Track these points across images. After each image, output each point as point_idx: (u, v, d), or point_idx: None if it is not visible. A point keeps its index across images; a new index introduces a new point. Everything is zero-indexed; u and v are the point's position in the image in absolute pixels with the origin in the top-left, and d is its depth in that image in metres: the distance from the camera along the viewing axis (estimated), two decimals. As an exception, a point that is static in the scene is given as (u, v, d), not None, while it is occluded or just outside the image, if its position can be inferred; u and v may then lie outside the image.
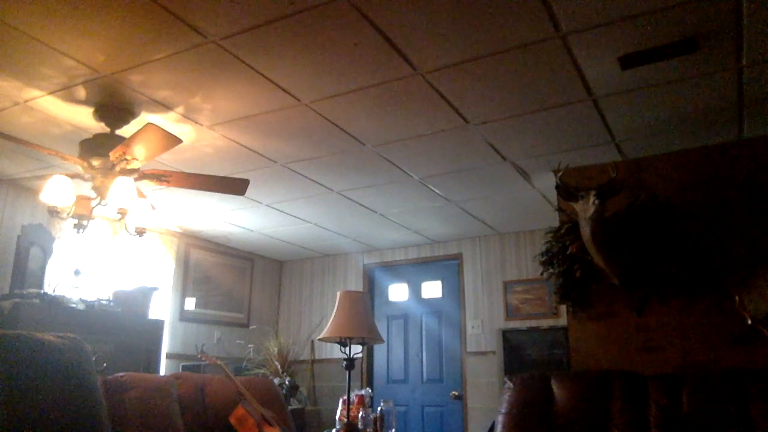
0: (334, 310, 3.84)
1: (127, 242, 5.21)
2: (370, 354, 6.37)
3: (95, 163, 3.34)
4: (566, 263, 3.91)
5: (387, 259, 6.61)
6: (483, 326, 5.80)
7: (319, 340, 3.96)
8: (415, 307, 6.40)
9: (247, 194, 4.06)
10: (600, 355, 3.84)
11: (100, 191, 3.34)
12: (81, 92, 3.22)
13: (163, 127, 3.08)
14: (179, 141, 3.16)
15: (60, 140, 3.73)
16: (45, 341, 2.08)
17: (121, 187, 3.21)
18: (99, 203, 3.35)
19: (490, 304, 5.83)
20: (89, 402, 1.88)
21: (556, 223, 4.16)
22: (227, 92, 3.22)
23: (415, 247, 6.44)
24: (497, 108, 3.40)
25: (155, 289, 5.02)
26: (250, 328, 6.57)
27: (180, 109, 3.41)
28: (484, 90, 3.20)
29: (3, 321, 3.75)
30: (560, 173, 3.72)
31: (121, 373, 3.10)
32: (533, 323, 5.54)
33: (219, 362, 3.75)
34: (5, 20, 2.59)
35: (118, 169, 3.30)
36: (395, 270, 6.60)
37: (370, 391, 4.11)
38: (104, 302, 4.48)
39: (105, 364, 3.58)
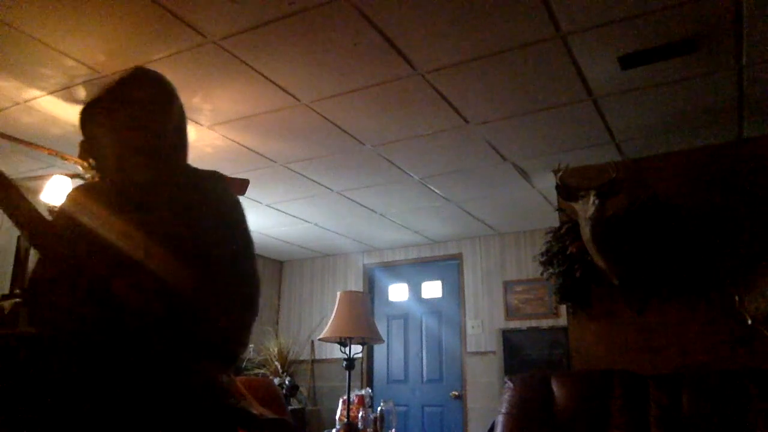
0: (334, 310, 3.84)
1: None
2: (370, 354, 6.37)
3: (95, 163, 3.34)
4: (566, 263, 3.91)
5: (387, 259, 6.61)
6: (483, 326, 5.80)
7: (319, 340, 3.97)
8: (415, 307, 6.40)
9: (247, 194, 4.05)
10: (600, 355, 3.84)
11: (100, 191, 3.33)
12: (81, 92, 3.22)
13: (163, 127, 3.08)
14: (179, 141, 3.16)
15: (60, 140, 3.72)
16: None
17: (121, 187, 3.20)
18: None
19: (490, 304, 5.83)
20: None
21: (556, 223, 4.16)
22: (227, 92, 3.22)
23: (415, 247, 6.44)
24: (497, 108, 3.40)
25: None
26: (250, 328, 6.56)
27: (180, 109, 3.41)
28: (484, 90, 3.20)
29: (3, 321, 3.75)
30: (560, 173, 3.72)
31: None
32: (533, 323, 5.54)
33: (219, 362, 3.75)
34: (5, 20, 2.59)
35: (118, 169, 3.30)
36: (395, 270, 6.60)
37: (370, 391, 4.12)
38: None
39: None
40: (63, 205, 1.52)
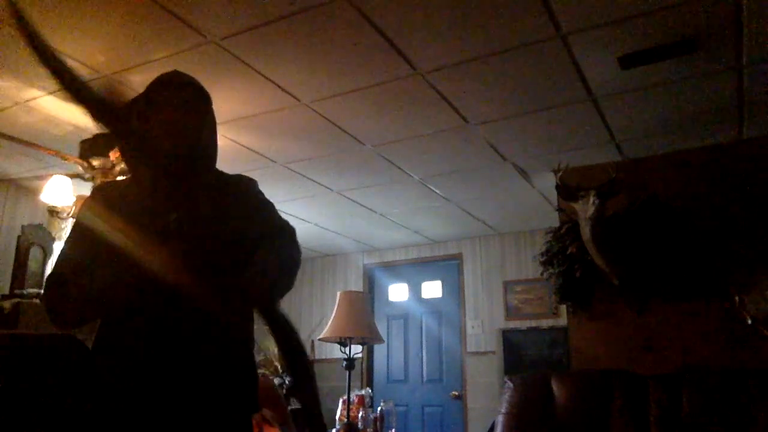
0: (334, 310, 3.84)
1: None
2: (370, 354, 6.36)
3: (95, 163, 3.35)
4: (566, 263, 3.91)
5: (387, 259, 6.61)
6: (483, 326, 5.80)
7: (319, 340, 3.97)
8: (415, 307, 6.40)
9: (247, 194, 4.05)
10: (600, 355, 3.84)
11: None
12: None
13: (163, 127, 3.08)
14: (179, 141, 3.16)
15: (60, 140, 3.72)
16: (45, 341, 2.09)
17: (121, 187, 3.21)
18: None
19: (490, 304, 5.83)
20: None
21: (556, 223, 4.16)
22: (227, 92, 3.22)
23: (415, 247, 6.44)
24: (497, 108, 3.40)
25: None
26: (250, 328, 6.56)
27: (180, 109, 3.41)
28: (484, 90, 3.20)
29: (3, 321, 3.75)
30: (560, 173, 3.72)
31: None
32: (533, 323, 5.53)
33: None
34: (5, 20, 2.58)
35: (118, 169, 3.31)
36: (395, 270, 6.60)
37: (370, 391, 4.12)
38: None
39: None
40: (91, 199, 1.55)
